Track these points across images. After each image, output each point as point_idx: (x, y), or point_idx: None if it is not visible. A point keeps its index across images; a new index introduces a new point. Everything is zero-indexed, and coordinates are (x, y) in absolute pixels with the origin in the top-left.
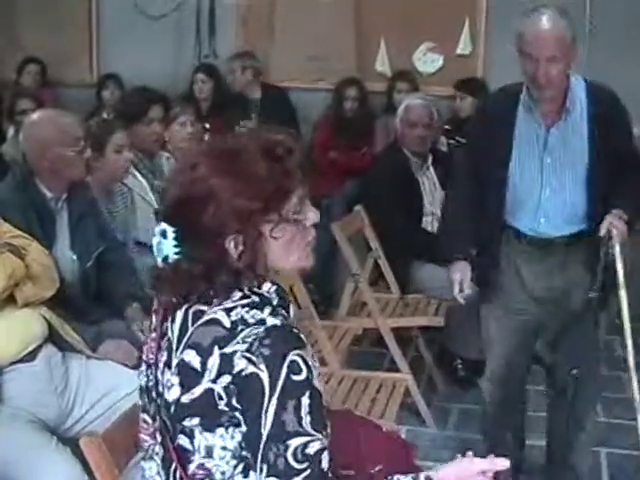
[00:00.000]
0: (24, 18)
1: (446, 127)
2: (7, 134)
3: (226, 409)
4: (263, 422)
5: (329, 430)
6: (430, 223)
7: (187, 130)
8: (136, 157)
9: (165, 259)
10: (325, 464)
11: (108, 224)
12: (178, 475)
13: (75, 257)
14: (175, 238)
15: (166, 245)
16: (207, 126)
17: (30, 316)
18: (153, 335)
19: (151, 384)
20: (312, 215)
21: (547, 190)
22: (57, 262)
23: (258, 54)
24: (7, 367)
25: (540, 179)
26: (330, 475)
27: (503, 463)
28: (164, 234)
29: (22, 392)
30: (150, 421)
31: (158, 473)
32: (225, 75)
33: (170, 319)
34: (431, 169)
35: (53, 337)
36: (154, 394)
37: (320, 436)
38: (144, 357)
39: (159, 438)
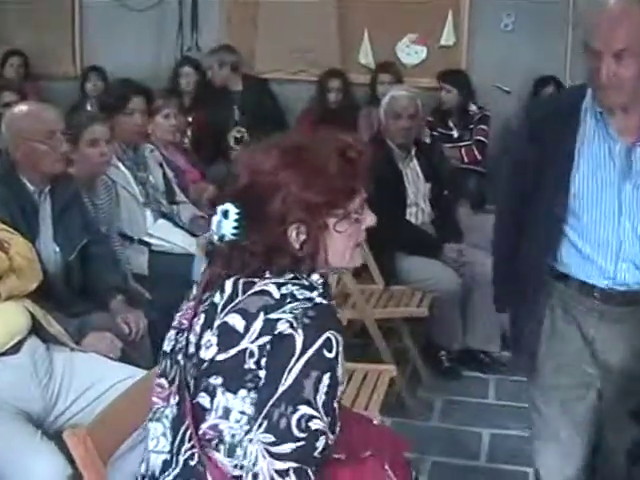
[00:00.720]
0: (7, 12)
1: (429, 119)
2: None
3: (253, 367)
4: (284, 379)
5: (337, 427)
6: (414, 214)
7: (171, 122)
8: (119, 149)
9: (221, 238)
10: (320, 446)
11: (92, 217)
12: (187, 435)
13: (58, 249)
14: (236, 220)
15: (226, 225)
16: (190, 120)
17: (14, 309)
18: (191, 304)
19: (179, 347)
20: (370, 219)
21: (626, 225)
22: (40, 254)
23: (241, 46)
24: None
25: (617, 211)
26: (319, 459)
27: None
28: (226, 214)
29: (6, 384)
30: (166, 385)
31: (164, 434)
32: (206, 69)
33: (218, 288)
34: (415, 160)
35: (37, 330)
36: (180, 357)
37: (325, 419)
38: (175, 323)
39: (174, 400)
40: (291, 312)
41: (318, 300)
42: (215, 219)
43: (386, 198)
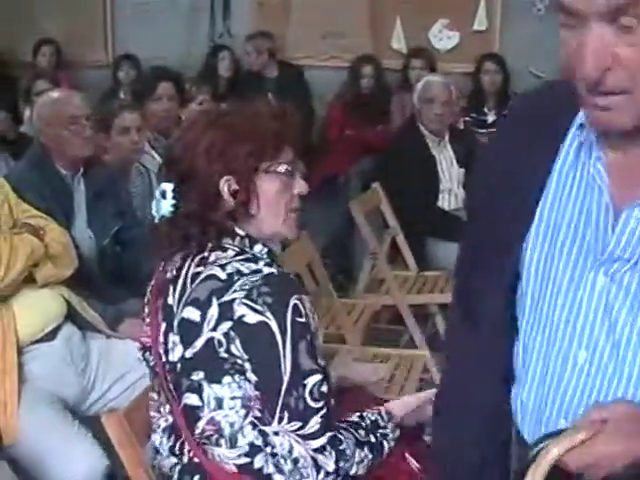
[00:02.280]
0: (40, 1)
1: (462, 105)
2: (24, 115)
3: (226, 356)
4: (283, 368)
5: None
6: (447, 200)
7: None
8: (152, 137)
9: (162, 219)
10: (332, 403)
11: (127, 203)
12: (182, 439)
13: (92, 235)
14: (174, 197)
15: (164, 204)
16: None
17: (49, 295)
18: (147, 320)
19: (152, 363)
20: (301, 185)
21: (583, 355)
22: (74, 240)
23: (273, 32)
24: (27, 346)
25: (580, 323)
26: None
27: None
28: (164, 194)
29: (43, 371)
30: (156, 397)
31: (160, 443)
32: (241, 55)
33: (169, 291)
34: (448, 146)
35: (73, 316)
36: (157, 369)
37: (323, 372)
38: (138, 345)
39: (165, 410)
40: (242, 289)
41: (266, 270)
42: (154, 202)
43: (418, 184)
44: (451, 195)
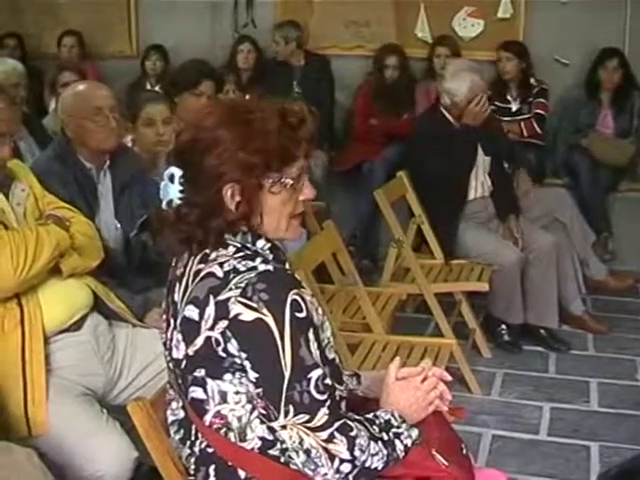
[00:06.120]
0: None
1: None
2: (49, 107)
3: (224, 355)
4: (284, 363)
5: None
6: (474, 188)
7: (231, 98)
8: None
9: (170, 203)
10: (338, 393)
11: (153, 193)
12: (193, 430)
13: (119, 226)
14: (181, 183)
15: (172, 189)
16: (247, 97)
17: (75, 286)
18: (164, 317)
19: (168, 359)
20: (307, 191)
21: None
22: (100, 231)
23: (297, 21)
24: (54, 337)
25: None
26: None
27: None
28: (172, 178)
29: (70, 361)
30: (171, 392)
31: (175, 433)
32: (266, 45)
33: (175, 289)
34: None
35: (99, 306)
36: (171, 365)
37: (325, 367)
38: (161, 340)
39: (176, 405)
40: (237, 287)
41: (262, 267)
42: (162, 184)
43: (444, 173)
44: (477, 183)
